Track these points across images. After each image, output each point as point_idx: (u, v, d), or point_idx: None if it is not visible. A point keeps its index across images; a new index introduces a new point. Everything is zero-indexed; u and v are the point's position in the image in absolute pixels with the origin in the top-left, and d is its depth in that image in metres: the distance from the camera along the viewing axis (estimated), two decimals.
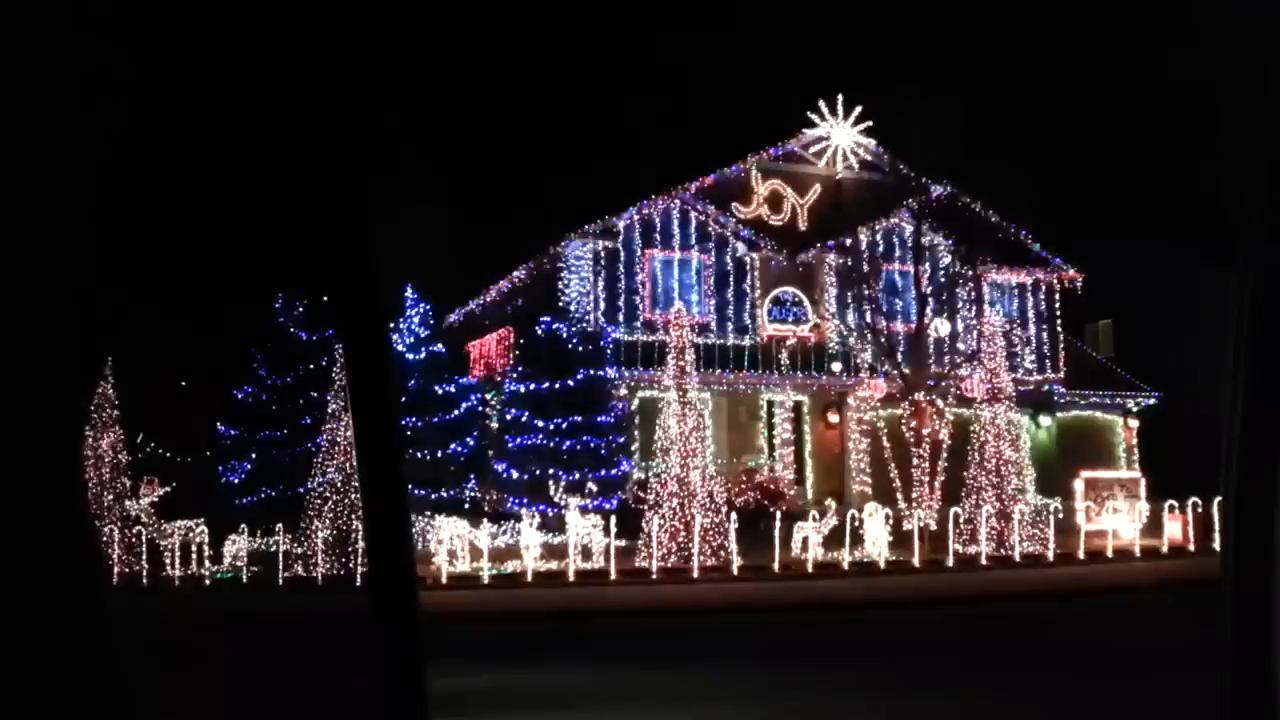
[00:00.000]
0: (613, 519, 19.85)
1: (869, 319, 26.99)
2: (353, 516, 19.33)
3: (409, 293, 26.10)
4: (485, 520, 20.59)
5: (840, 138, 30.26)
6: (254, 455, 26.85)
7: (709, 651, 12.09)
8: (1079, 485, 25.50)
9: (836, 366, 28.00)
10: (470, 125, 27.24)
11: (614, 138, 28.62)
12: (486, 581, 18.47)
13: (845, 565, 20.98)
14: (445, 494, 23.51)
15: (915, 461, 24.80)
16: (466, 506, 23.83)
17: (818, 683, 9.59)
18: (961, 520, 22.88)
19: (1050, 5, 24.31)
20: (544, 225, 28.95)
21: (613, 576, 19.02)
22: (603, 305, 27.71)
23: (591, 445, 24.57)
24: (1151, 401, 30.47)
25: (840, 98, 30.38)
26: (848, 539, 21.29)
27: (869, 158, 30.39)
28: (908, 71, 33.05)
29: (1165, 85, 23.72)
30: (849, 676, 9.86)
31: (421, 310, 26.07)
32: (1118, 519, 25.22)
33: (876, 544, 21.92)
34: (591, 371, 25.26)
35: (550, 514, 21.30)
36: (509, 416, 25.62)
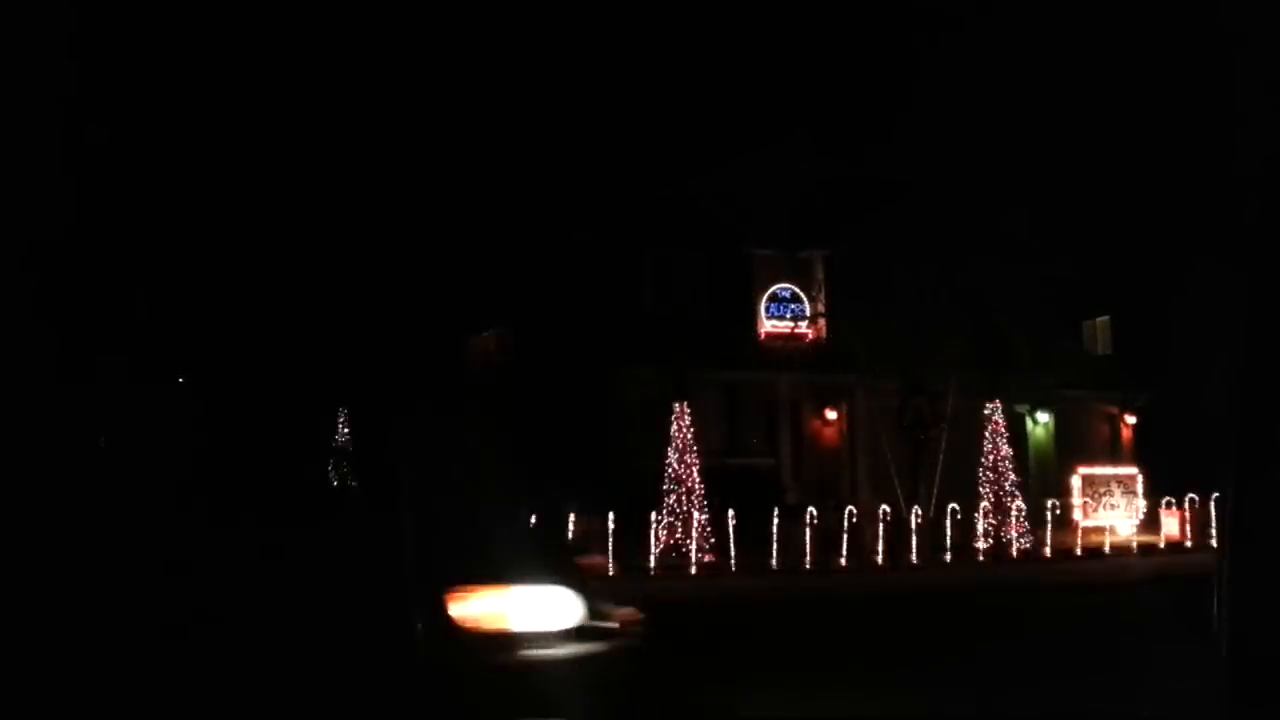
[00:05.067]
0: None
1: (867, 315, 26.91)
2: None
3: None
4: None
5: (838, 133, 30.30)
6: None
7: None
8: (1076, 482, 25.55)
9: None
10: (459, 121, 27.28)
11: (609, 134, 28.59)
12: None
13: (843, 563, 21.03)
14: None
15: (914, 458, 24.82)
16: None
17: None
18: (958, 517, 22.92)
19: (1050, 5, 24.31)
20: (542, 220, 28.91)
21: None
22: (602, 301, 27.65)
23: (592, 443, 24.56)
24: (1149, 398, 30.47)
25: (839, 97, 30.39)
26: (845, 536, 21.33)
27: (868, 156, 30.38)
28: (908, 70, 33.01)
29: (1166, 83, 23.76)
30: None
31: None
32: (1115, 515, 25.28)
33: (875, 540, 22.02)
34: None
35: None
36: None
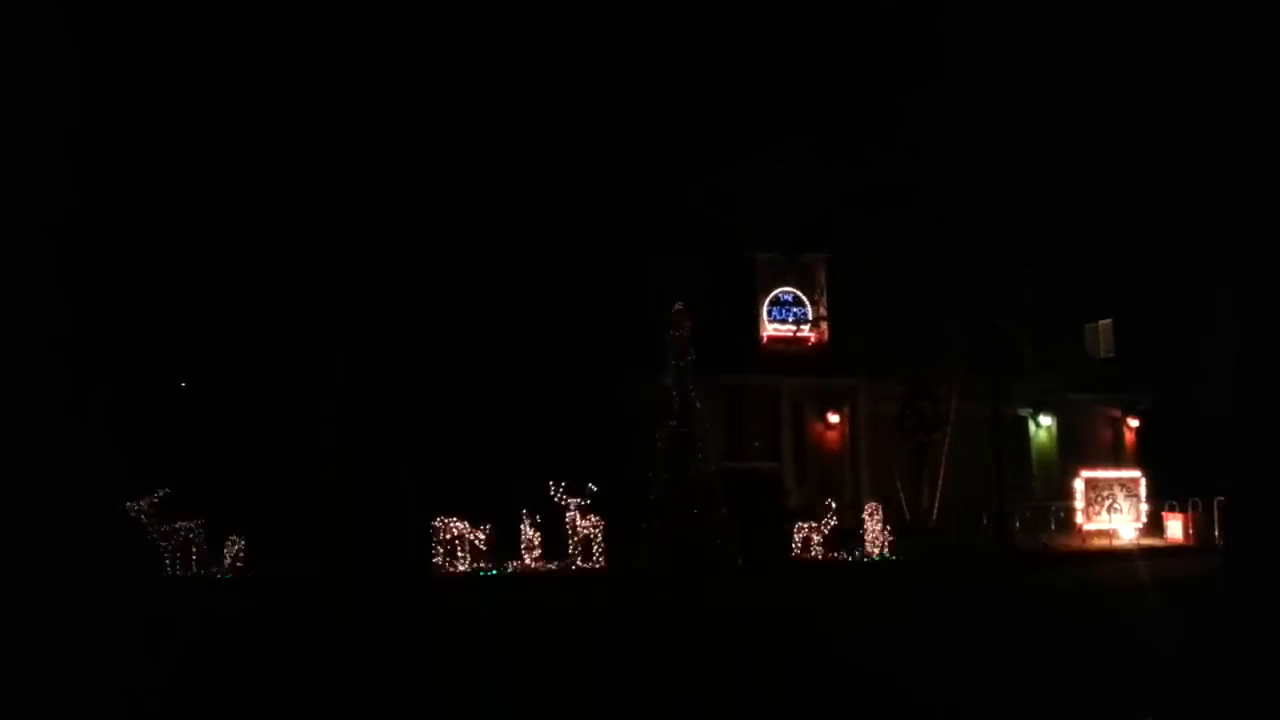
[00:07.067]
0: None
1: (869, 318, 26.88)
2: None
3: None
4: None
5: (840, 139, 30.35)
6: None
7: None
8: (1079, 485, 25.52)
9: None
10: (458, 121, 27.26)
11: (611, 138, 28.62)
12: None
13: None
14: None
15: (917, 462, 24.83)
16: None
17: None
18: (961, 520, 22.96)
19: (1051, 6, 24.33)
20: (544, 224, 28.89)
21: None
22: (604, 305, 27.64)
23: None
24: (1151, 401, 30.43)
25: (839, 100, 30.44)
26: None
27: (869, 158, 30.40)
28: (907, 70, 33.02)
29: (1165, 83, 23.75)
30: None
31: None
32: (1118, 518, 25.25)
33: (876, 543, 22.06)
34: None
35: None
36: None
